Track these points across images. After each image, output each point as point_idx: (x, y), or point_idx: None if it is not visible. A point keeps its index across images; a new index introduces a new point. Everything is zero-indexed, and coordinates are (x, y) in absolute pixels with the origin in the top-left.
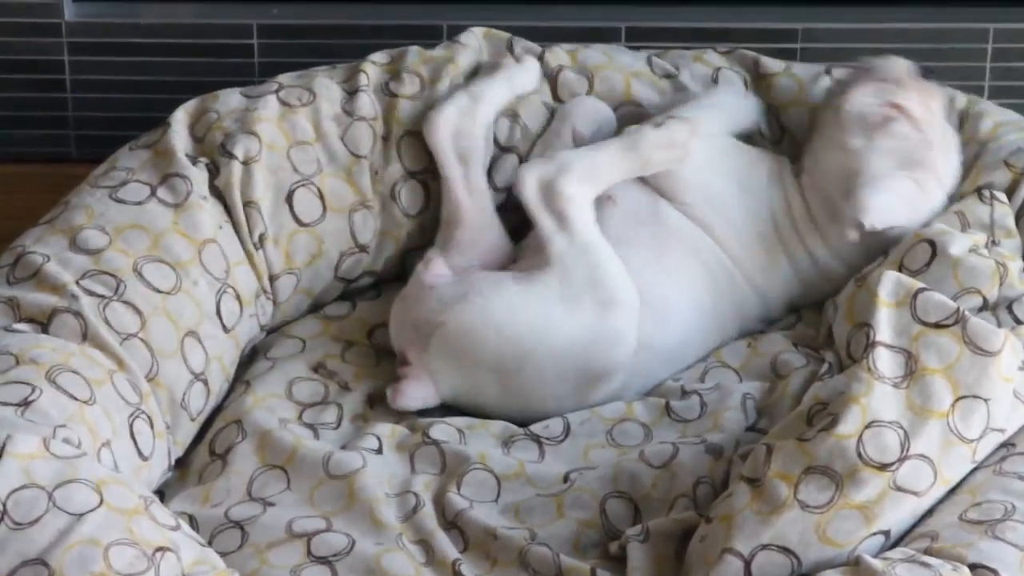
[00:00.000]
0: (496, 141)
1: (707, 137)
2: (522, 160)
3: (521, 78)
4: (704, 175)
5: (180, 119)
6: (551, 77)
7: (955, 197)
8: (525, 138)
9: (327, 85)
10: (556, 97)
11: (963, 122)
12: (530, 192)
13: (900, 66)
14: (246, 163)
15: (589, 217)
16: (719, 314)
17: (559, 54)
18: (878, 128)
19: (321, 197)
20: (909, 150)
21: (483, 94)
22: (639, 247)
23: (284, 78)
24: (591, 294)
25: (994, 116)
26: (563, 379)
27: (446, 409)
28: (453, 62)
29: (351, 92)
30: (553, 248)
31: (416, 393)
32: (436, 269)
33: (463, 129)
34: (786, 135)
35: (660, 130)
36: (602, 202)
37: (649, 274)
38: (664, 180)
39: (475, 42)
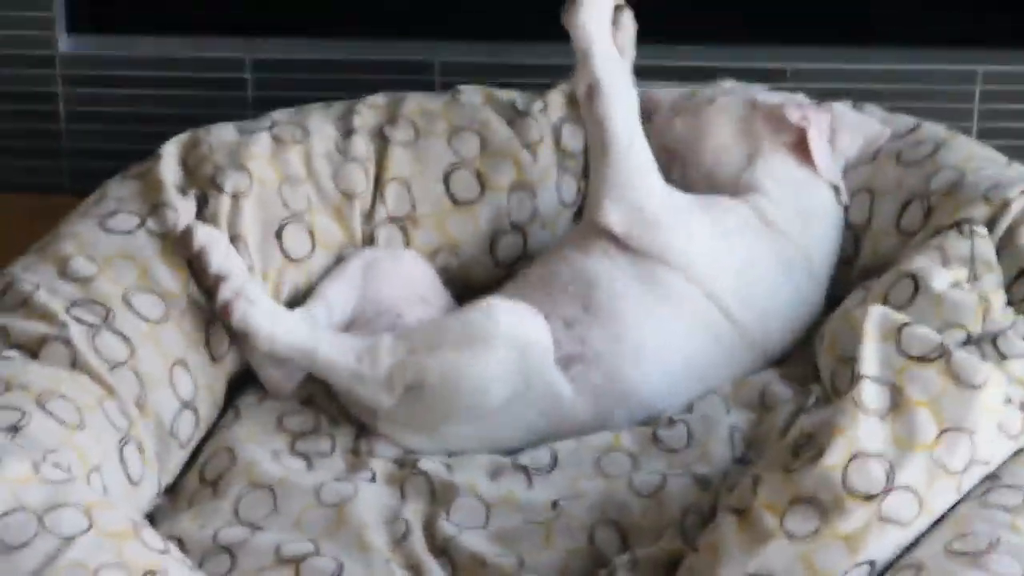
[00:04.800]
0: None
1: (688, 208)
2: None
3: None
4: (705, 249)
5: (171, 151)
6: (555, 131)
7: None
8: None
9: (321, 124)
10: (562, 150)
11: (938, 150)
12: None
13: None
14: (235, 197)
15: None
16: (713, 373)
17: (558, 104)
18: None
19: (311, 234)
20: None
21: None
22: (632, 300)
23: (279, 115)
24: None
25: (969, 147)
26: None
27: None
28: (446, 119)
29: (345, 133)
30: None
31: (389, 449)
32: None
33: None
34: None
35: None
36: (598, 256)
37: (637, 325)
38: (667, 256)
39: (476, 100)
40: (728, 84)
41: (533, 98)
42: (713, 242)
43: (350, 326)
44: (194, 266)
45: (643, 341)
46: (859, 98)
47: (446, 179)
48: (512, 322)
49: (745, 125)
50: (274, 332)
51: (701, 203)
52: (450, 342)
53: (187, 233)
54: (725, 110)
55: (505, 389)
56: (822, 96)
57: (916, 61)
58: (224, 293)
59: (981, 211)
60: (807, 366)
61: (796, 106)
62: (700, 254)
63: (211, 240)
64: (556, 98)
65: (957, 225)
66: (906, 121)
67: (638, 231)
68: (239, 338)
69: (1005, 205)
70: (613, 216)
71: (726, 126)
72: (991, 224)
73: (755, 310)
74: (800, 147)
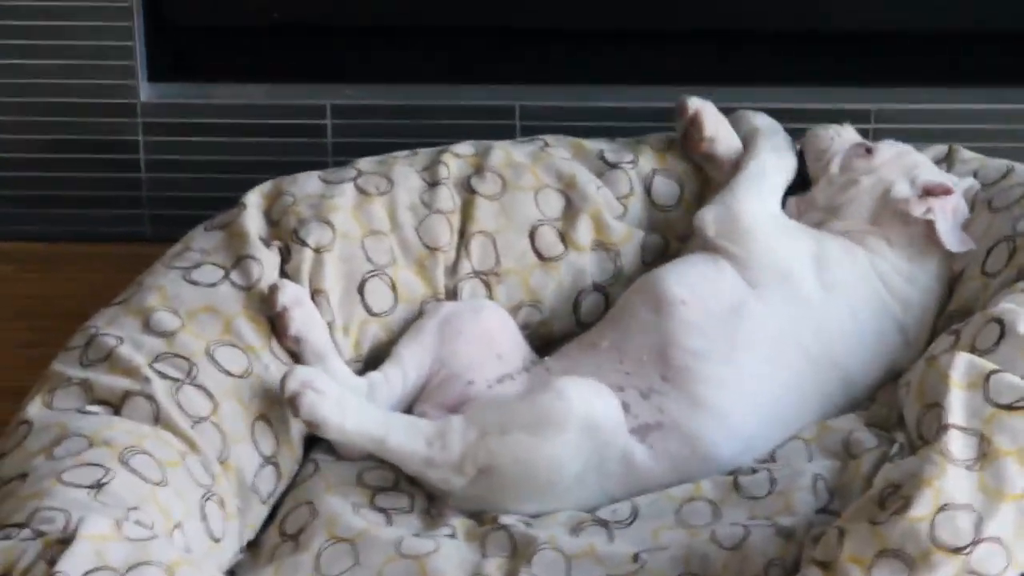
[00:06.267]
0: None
1: (791, 231)
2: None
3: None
4: (793, 270)
5: (254, 201)
6: (646, 183)
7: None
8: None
9: (406, 174)
10: (652, 202)
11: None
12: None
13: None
14: (317, 251)
15: None
16: (799, 411)
17: (650, 157)
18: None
19: (393, 288)
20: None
21: None
22: (712, 360)
23: (363, 164)
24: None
25: None
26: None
27: None
28: (534, 172)
29: (431, 183)
30: None
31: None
32: None
33: None
34: None
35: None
36: (675, 305)
37: (718, 387)
38: (751, 266)
39: (563, 152)
40: (886, 147)
41: (622, 149)
42: (804, 265)
43: (423, 389)
44: (275, 324)
45: (724, 403)
46: (943, 139)
47: (531, 234)
48: (583, 401)
49: (879, 212)
50: (343, 424)
51: (809, 233)
52: (521, 425)
53: (272, 292)
54: (869, 193)
55: (577, 467)
56: (908, 137)
57: (1000, 101)
58: (291, 384)
59: None
60: (890, 411)
61: (920, 200)
62: (787, 272)
63: (294, 301)
64: (646, 150)
65: None
66: (998, 166)
67: (727, 233)
68: (308, 427)
69: None
70: (709, 216)
71: (865, 208)
72: None
73: (837, 343)
74: (927, 233)
